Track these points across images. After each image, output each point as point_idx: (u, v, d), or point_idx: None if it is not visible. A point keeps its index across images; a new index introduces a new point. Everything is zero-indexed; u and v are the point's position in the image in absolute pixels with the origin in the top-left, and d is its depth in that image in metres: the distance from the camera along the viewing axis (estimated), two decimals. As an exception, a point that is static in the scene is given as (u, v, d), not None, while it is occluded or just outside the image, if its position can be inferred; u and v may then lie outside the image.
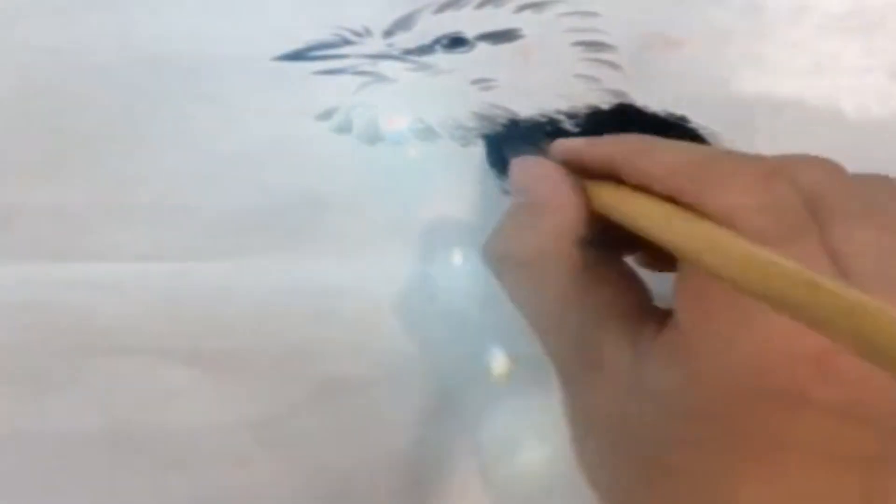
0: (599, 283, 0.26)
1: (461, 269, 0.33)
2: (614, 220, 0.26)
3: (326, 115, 0.34)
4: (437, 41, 0.34)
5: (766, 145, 0.33)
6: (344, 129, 0.34)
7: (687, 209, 0.25)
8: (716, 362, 0.23)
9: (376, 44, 0.34)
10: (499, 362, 0.32)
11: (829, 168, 0.26)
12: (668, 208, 0.25)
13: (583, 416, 0.26)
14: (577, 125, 0.34)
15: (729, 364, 0.23)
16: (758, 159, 0.27)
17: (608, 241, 0.27)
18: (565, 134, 0.34)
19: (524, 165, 0.29)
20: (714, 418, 0.23)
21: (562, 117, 0.34)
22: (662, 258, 0.27)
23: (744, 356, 0.23)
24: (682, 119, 0.34)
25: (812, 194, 0.25)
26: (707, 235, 0.23)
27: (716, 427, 0.23)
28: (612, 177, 0.27)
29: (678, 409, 0.24)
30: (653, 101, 0.34)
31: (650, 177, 0.25)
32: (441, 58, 0.34)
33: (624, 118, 0.34)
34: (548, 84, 0.34)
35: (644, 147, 0.27)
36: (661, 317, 0.25)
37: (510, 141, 0.32)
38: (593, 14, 0.35)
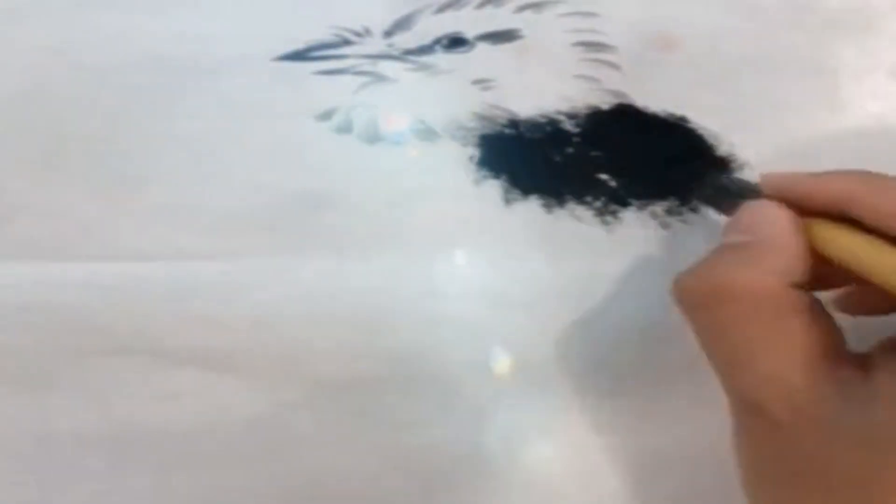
0: (806, 325, 0.26)
1: (461, 268, 0.33)
2: (833, 259, 0.26)
3: (326, 115, 0.34)
4: (437, 41, 0.34)
5: (766, 145, 0.33)
6: (344, 129, 0.34)
7: None
8: None
9: (376, 44, 0.34)
10: (500, 362, 0.32)
11: None
12: (889, 249, 0.25)
13: (766, 460, 0.26)
14: (577, 125, 0.34)
15: None
16: None
17: (812, 282, 0.27)
18: (565, 134, 0.34)
19: (750, 207, 0.28)
20: None
21: (562, 117, 0.34)
22: (874, 302, 0.27)
23: None
24: (682, 119, 0.34)
25: None
26: None
27: None
28: (834, 214, 0.27)
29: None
30: (653, 101, 0.34)
31: (889, 216, 0.25)
32: (441, 58, 0.34)
33: (624, 118, 0.34)
34: (548, 84, 0.34)
35: (881, 183, 0.27)
36: (861, 361, 0.25)
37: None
38: (593, 14, 0.35)
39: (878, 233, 0.26)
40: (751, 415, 0.26)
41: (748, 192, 0.29)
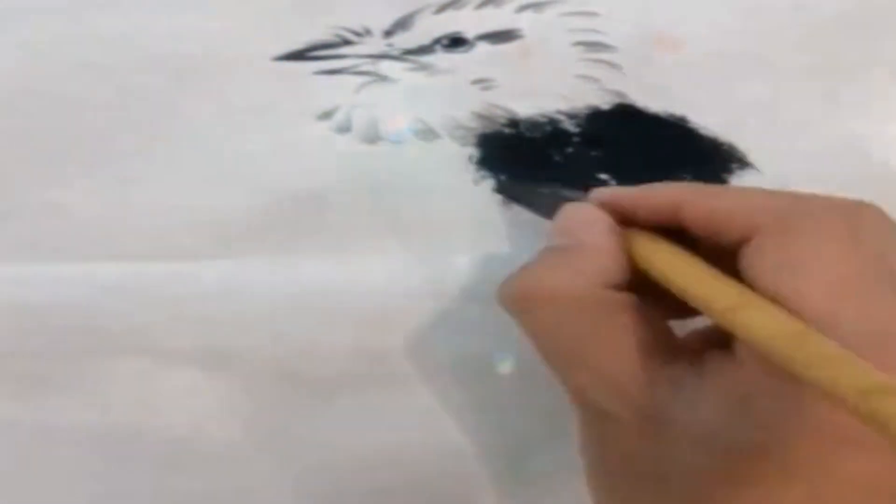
0: (629, 324, 0.26)
1: (461, 268, 0.33)
2: (646, 270, 0.27)
3: (326, 115, 0.34)
4: (437, 41, 0.34)
5: (766, 145, 0.33)
6: (344, 129, 0.34)
7: (713, 267, 0.25)
8: (778, 400, 0.23)
9: (376, 44, 0.34)
10: (500, 362, 0.32)
11: None
12: (701, 267, 0.26)
13: (608, 457, 0.26)
14: (577, 125, 0.34)
15: (792, 403, 0.23)
16: (840, 202, 0.27)
17: (637, 287, 0.27)
18: (565, 134, 0.34)
19: (569, 211, 0.29)
20: (770, 455, 0.23)
21: (562, 117, 0.34)
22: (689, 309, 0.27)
23: (808, 395, 0.23)
24: (682, 119, 0.34)
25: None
26: (739, 300, 0.24)
27: (771, 464, 0.23)
28: (660, 225, 0.27)
29: (731, 445, 0.24)
30: (653, 101, 0.34)
31: (717, 218, 0.26)
32: (441, 58, 0.34)
33: (624, 118, 0.34)
34: (548, 84, 0.34)
35: (711, 189, 0.28)
36: (693, 357, 0.25)
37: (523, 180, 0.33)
38: (593, 14, 0.35)
39: (706, 242, 0.26)
40: (591, 412, 0.26)
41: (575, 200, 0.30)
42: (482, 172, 0.33)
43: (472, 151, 0.34)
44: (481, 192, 0.33)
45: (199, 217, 0.33)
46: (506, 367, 0.32)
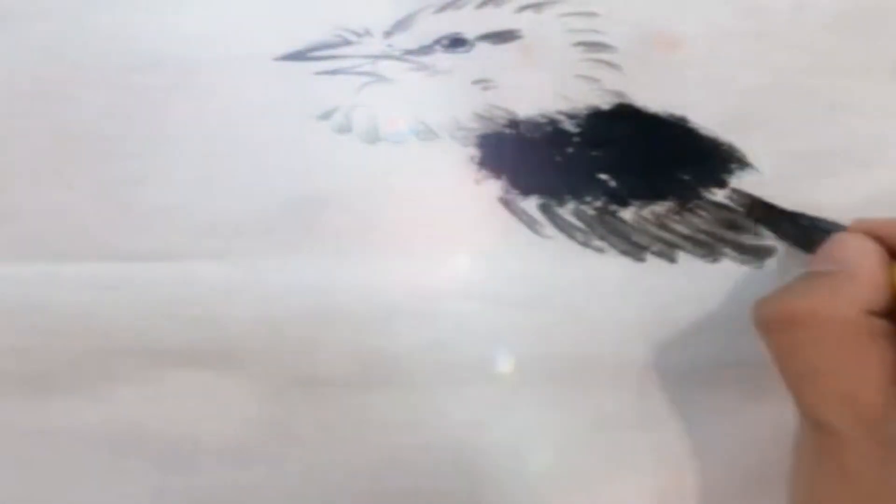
0: (881, 350, 0.27)
1: (461, 268, 0.33)
2: None
3: (327, 115, 0.34)
4: (437, 41, 0.34)
5: (766, 145, 0.33)
6: (344, 129, 0.34)
7: None
8: None
9: (376, 44, 0.34)
10: (500, 362, 0.32)
11: None
12: None
13: (834, 478, 0.27)
14: (577, 125, 0.34)
15: None
16: None
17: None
18: (565, 134, 0.34)
19: (840, 239, 0.30)
20: None
21: (562, 117, 0.34)
22: None
23: None
24: (682, 119, 0.34)
25: None
26: None
27: None
28: None
29: None
30: (653, 101, 0.34)
31: None
32: (441, 58, 0.34)
33: (624, 118, 0.34)
34: (548, 84, 0.34)
35: None
36: None
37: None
38: (593, 14, 0.35)
39: None
40: (819, 432, 0.27)
41: (836, 230, 0.31)
42: (482, 173, 0.33)
43: (473, 152, 0.34)
44: (481, 192, 0.33)
45: (199, 217, 0.33)
46: (506, 367, 0.32)
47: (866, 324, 0.27)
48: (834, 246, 0.30)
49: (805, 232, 0.32)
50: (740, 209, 0.33)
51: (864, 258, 0.28)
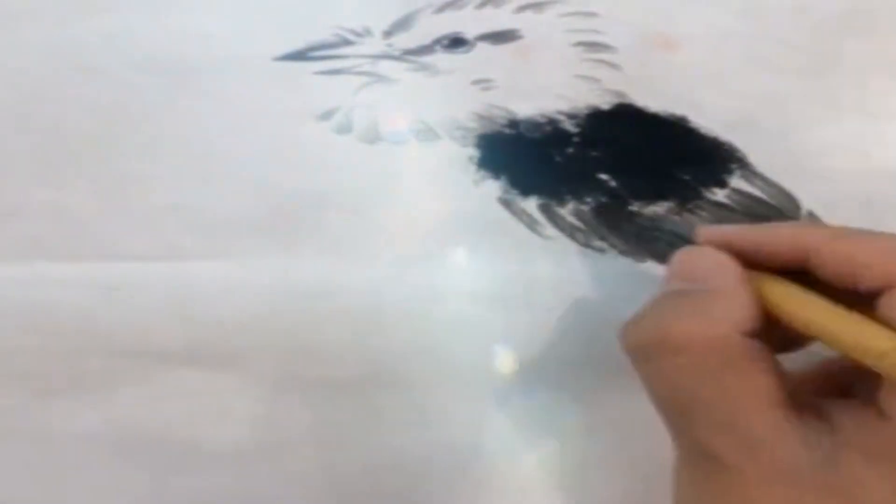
0: (760, 372, 0.25)
1: (461, 268, 0.33)
2: (779, 315, 0.26)
3: (327, 115, 0.34)
4: (437, 41, 0.34)
5: (766, 145, 0.33)
6: (344, 129, 0.34)
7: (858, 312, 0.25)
8: None
9: (376, 44, 0.34)
10: (500, 362, 0.32)
11: None
12: (842, 311, 0.25)
13: None
14: (577, 125, 0.34)
15: None
16: None
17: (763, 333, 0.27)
18: (565, 134, 0.34)
19: (692, 254, 0.28)
20: None
21: (562, 117, 0.34)
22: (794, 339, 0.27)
23: None
24: (682, 119, 0.34)
25: None
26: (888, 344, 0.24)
27: None
28: (782, 268, 0.27)
29: None
30: (653, 101, 0.34)
31: (857, 263, 0.25)
32: (441, 58, 0.34)
33: (624, 118, 0.34)
34: (548, 84, 0.34)
35: (846, 232, 0.27)
36: (816, 408, 0.25)
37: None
38: (593, 14, 0.35)
39: (831, 287, 0.26)
40: (705, 463, 0.25)
41: (683, 237, 0.29)
42: (482, 173, 0.33)
43: (472, 152, 0.34)
44: (481, 192, 0.33)
45: (199, 217, 0.33)
46: (506, 366, 0.32)
47: (742, 345, 0.25)
48: (684, 262, 0.28)
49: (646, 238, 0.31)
50: (740, 209, 0.33)
51: (724, 274, 0.27)
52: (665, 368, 0.26)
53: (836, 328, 0.25)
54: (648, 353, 0.26)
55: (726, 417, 0.25)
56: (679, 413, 0.26)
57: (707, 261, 0.27)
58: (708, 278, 0.27)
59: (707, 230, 0.28)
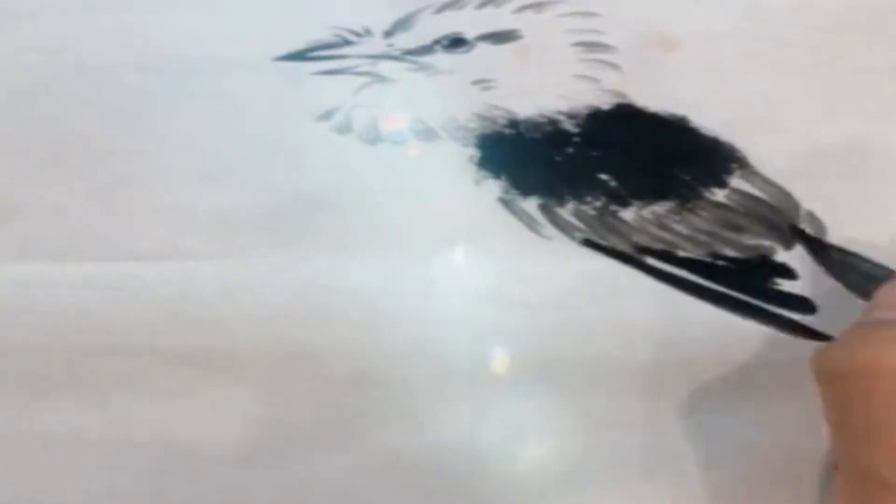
0: None
1: (461, 268, 0.33)
2: None
3: (327, 115, 0.34)
4: (437, 41, 0.34)
5: (766, 145, 0.33)
6: (344, 129, 0.34)
7: None
8: None
9: (376, 44, 0.34)
10: (500, 362, 0.32)
11: None
12: None
13: None
14: (577, 125, 0.34)
15: None
16: None
17: None
18: (565, 134, 0.34)
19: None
20: None
21: (562, 117, 0.34)
22: None
23: None
24: (682, 119, 0.34)
25: None
26: None
27: None
28: None
29: None
30: (653, 101, 0.34)
31: None
32: (441, 58, 0.34)
33: (624, 118, 0.34)
34: (548, 84, 0.34)
35: None
36: None
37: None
38: (593, 14, 0.35)
39: None
40: (873, 489, 0.26)
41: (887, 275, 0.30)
42: (482, 173, 0.33)
43: (472, 152, 0.34)
44: (481, 192, 0.33)
45: (199, 217, 0.33)
46: (505, 366, 0.32)
47: None
48: (892, 293, 0.28)
49: (858, 275, 0.32)
50: (740, 209, 0.33)
51: None
52: (851, 393, 0.26)
53: None
54: (838, 378, 0.27)
55: None
56: (857, 436, 0.26)
57: None
58: None
59: None
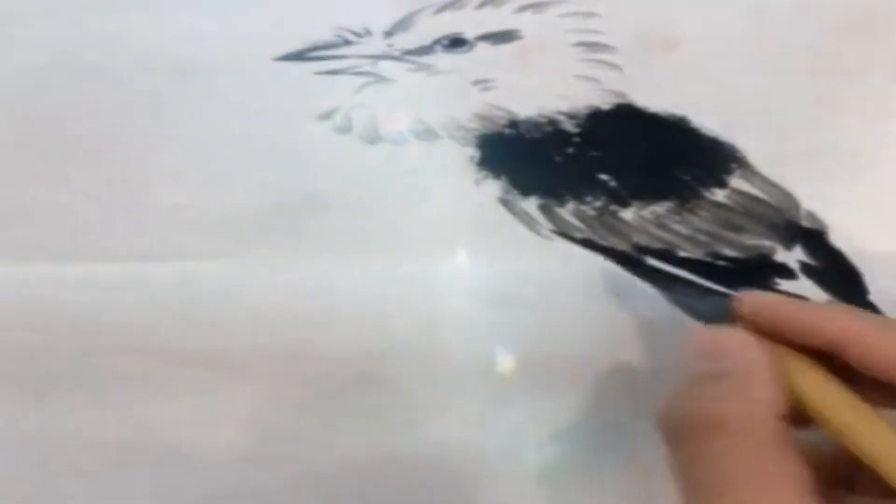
0: (792, 457, 0.25)
1: (461, 268, 0.33)
2: (803, 404, 0.26)
3: (327, 115, 0.34)
4: (437, 41, 0.34)
5: (766, 145, 0.33)
6: (344, 129, 0.34)
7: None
8: None
9: (376, 44, 0.34)
10: (501, 362, 0.32)
11: None
12: (867, 414, 0.25)
13: None
14: (577, 125, 0.34)
15: None
16: None
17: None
18: (565, 134, 0.34)
19: (718, 335, 0.28)
20: None
21: (562, 117, 0.34)
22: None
23: None
24: (682, 119, 0.34)
25: None
26: None
27: None
28: (814, 349, 0.26)
29: None
30: (653, 101, 0.34)
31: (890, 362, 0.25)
32: (441, 58, 0.34)
33: (624, 118, 0.34)
34: (548, 84, 0.34)
35: (880, 323, 0.26)
36: (836, 498, 0.25)
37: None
38: (593, 14, 0.35)
39: (863, 377, 0.26)
40: None
41: (720, 311, 0.29)
42: (482, 173, 0.33)
43: (472, 152, 0.34)
44: (481, 192, 0.33)
45: (199, 217, 0.33)
46: (506, 366, 0.32)
47: (777, 429, 0.25)
48: (711, 341, 0.27)
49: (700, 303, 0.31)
50: (740, 209, 0.33)
51: (754, 355, 0.26)
52: (699, 450, 0.26)
53: (857, 433, 0.25)
54: (683, 434, 0.26)
55: (756, 500, 0.24)
56: (708, 495, 0.26)
57: (737, 340, 0.27)
58: (739, 357, 0.26)
59: (751, 298, 0.28)
